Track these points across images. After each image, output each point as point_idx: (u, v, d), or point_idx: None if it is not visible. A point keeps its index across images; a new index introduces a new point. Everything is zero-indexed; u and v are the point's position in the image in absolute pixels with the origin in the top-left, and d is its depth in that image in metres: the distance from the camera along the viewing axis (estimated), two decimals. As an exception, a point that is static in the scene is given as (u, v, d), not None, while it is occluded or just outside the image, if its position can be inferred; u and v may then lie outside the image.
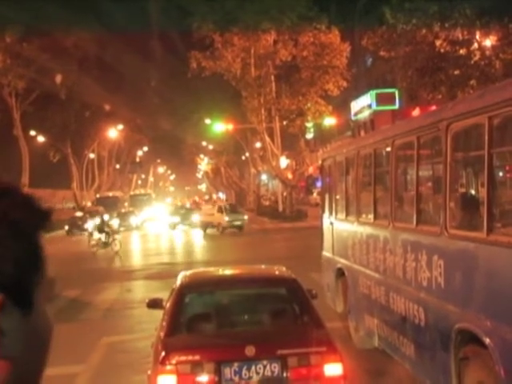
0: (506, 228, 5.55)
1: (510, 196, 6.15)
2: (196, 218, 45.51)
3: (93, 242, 28.68)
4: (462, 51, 22.09)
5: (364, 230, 9.20)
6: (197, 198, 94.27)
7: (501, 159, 6.07)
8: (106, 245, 28.80)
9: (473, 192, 6.41)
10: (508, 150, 5.82)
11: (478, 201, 5.77)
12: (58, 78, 44.44)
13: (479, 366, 5.40)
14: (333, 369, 5.78)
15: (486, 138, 5.33)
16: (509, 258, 5.00)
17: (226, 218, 39.00)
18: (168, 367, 5.64)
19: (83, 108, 50.05)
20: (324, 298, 10.99)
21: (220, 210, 39.93)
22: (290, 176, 48.14)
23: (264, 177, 69.93)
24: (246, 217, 41.04)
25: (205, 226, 40.33)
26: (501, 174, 6.18)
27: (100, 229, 29.85)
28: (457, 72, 22.38)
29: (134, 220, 48.69)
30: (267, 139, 45.22)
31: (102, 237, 29.18)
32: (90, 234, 29.80)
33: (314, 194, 48.64)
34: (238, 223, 39.31)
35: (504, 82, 6.32)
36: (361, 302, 9.25)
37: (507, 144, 5.79)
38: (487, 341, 5.16)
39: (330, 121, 44.09)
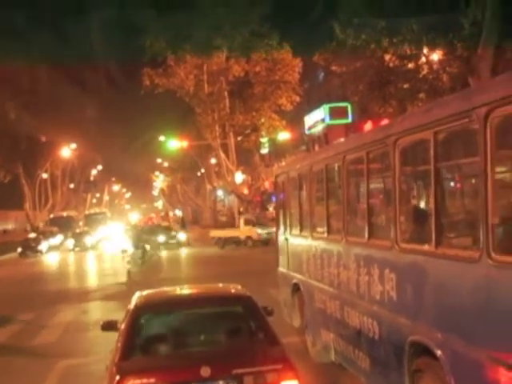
0: (454, 241, 5.66)
1: (457, 209, 6.27)
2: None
3: (127, 259, 27.32)
4: (411, 65, 22.48)
5: (318, 245, 9.27)
6: (153, 215, 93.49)
7: (447, 173, 6.20)
8: (142, 260, 27.95)
9: (421, 206, 6.52)
10: (454, 163, 5.95)
11: (427, 214, 5.87)
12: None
13: (432, 378, 5.47)
14: (289, 385, 5.78)
15: (432, 152, 5.45)
16: (456, 271, 5.10)
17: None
18: (123, 391, 5.57)
19: (33, 129, 49.27)
20: (281, 313, 11.02)
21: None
22: (245, 191, 48.23)
23: (220, 192, 69.84)
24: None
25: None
26: (448, 187, 6.30)
27: (136, 245, 29.10)
28: (406, 86, 22.76)
29: (89, 240, 48.05)
30: (222, 155, 45.24)
31: (138, 253, 28.28)
32: (125, 251, 28.47)
33: (270, 209, 48.76)
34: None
35: (447, 98, 6.47)
36: (317, 317, 9.29)
37: (453, 158, 5.92)
38: (438, 353, 5.24)
39: (284, 135, 44.34)
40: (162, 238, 42.08)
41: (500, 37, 17.97)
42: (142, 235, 36.68)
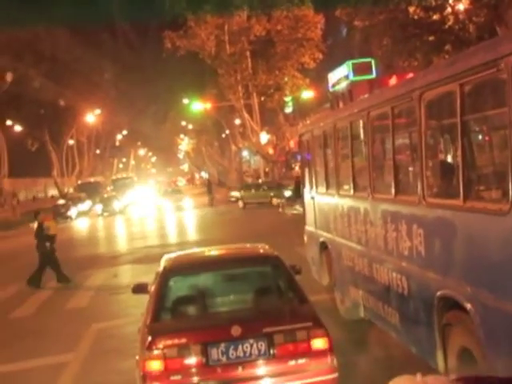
0: (482, 194, 5.59)
1: (485, 162, 6.17)
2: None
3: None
4: (436, 17, 22.00)
5: (344, 203, 9.23)
6: (178, 178, 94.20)
7: (474, 125, 6.09)
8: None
9: (448, 160, 6.43)
10: (481, 115, 5.83)
11: (454, 168, 5.79)
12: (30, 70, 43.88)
13: (462, 332, 5.47)
14: (319, 343, 5.82)
15: (459, 105, 5.34)
16: (485, 224, 5.05)
17: None
18: (155, 352, 5.66)
19: (57, 96, 49.43)
20: (309, 271, 11.06)
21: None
22: (271, 151, 48.10)
23: (245, 153, 69.78)
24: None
25: None
26: (475, 140, 6.20)
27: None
28: (431, 38, 22.31)
29: (117, 204, 48.49)
30: (246, 116, 45.05)
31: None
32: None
33: (296, 168, 48.66)
34: None
35: (473, 48, 6.32)
36: (345, 274, 9.31)
37: (480, 110, 5.80)
38: (468, 306, 5.22)
39: (307, 94, 43.92)
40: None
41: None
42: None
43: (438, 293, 5.81)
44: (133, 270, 17.89)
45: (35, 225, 16.75)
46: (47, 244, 16.09)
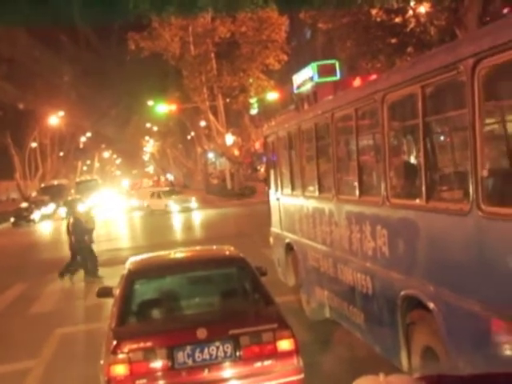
0: (444, 194, 5.67)
1: (446, 163, 6.27)
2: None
3: None
4: (398, 19, 22.26)
5: (310, 204, 9.28)
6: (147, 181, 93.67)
7: (436, 127, 6.18)
8: None
9: (411, 161, 6.52)
10: (442, 117, 5.92)
11: (417, 169, 5.86)
12: None
13: (425, 330, 5.54)
14: (285, 344, 5.83)
15: (420, 106, 5.42)
16: (447, 224, 5.12)
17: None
18: (120, 356, 5.61)
19: (19, 99, 48.70)
20: (275, 273, 11.09)
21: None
22: (236, 153, 48.10)
23: (211, 155, 69.66)
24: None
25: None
26: (437, 141, 6.28)
27: None
28: (394, 40, 22.57)
29: (81, 207, 47.87)
30: (211, 117, 45.00)
31: None
32: None
33: (262, 170, 48.77)
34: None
35: (434, 51, 6.42)
36: (311, 275, 9.36)
37: (441, 111, 5.89)
38: (431, 305, 5.29)
39: (272, 95, 44.07)
40: None
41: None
42: None
43: (402, 292, 5.87)
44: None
45: (69, 219, 16.69)
46: (86, 237, 16.23)
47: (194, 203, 40.99)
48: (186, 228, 29.47)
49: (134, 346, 5.69)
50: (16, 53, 45.40)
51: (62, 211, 47.42)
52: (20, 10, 41.46)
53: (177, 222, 34.36)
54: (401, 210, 6.00)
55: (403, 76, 5.93)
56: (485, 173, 4.59)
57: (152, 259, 7.82)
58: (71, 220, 16.63)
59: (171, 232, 28.00)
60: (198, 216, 35.98)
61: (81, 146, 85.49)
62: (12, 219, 44.57)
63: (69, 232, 16.61)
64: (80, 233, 16.19)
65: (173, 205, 40.47)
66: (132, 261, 7.41)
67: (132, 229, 33.25)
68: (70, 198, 51.69)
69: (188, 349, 5.69)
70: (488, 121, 4.81)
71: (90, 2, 42.58)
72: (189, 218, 35.22)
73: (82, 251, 16.19)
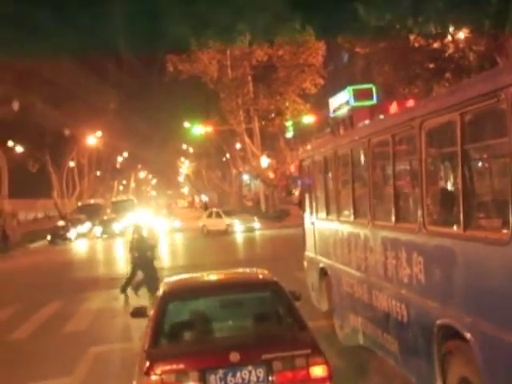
0: (482, 223, 5.60)
1: (485, 191, 6.19)
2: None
3: None
4: (436, 45, 22.21)
5: (344, 229, 9.24)
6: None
7: (475, 154, 6.12)
8: None
9: (449, 188, 6.45)
10: (481, 145, 5.86)
11: (454, 197, 5.81)
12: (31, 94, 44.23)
13: (462, 361, 5.45)
14: (318, 371, 5.79)
15: (459, 134, 5.39)
16: (485, 253, 5.05)
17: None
18: (153, 377, 5.63)
19: (59, 119, 49.64)
20: (309, 297, 11.03)
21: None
22: (271, 175, 48.19)
23: (246, 177, 69.89)
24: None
25: None
26: (475, 169, 6.22)
27: None
28: (432, 65, 22.50)
29: (116, 226, 48.46)
30: (247, 140, 45.23)
31: None
32: None
33: (296, 193, 48.75)
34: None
35: (473, 79, 6.38)
36: (344, 301, 9.29)
37: (480, 139, 5.84)
38: (468, 335, 5.21)
39: (308, 119, 44.14)
40: None
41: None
42: None
43: (438, 321, 5.79)
44: (132, 293, 17.80)
45: (133, 236, 17.16)
46: (149, 253, 16.63)
47: (257, 223, 39.62)
48: (221, 250, 29.51)
49: (167, 367, 5.70)
50: (58, 76, 46.40)
51: (98, 230, 48.01)
52: (66, 37, 42.53)
53: (211, 243, 34.43)
54: (437, 237, 5.94)
55: (442, 103, 5.91)
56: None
57: (186, 281, 7.85)
58: (135, 236, 16.98)
59: (205, 253, 28.04)
60: (233, 238, 35.98)
61: (117, 166, 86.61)
62: (49, 237, 45.17)
63: (132, 248, 17.01)
64: (143, 249, 16.59)
65: (237, 225, 39.15)
66: (166, 282, 7.46)
67: (166, 249, 33.39)
68: (105, 218, 52.36)
69: (220, 372, 5.68)
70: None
71: (133, 29, 43.43)
72: (224, 241, 35.25)
73: (144, 267, 16.44)
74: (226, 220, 39.56)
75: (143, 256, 16.52)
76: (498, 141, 5.12)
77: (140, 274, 16.65)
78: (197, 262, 22.63)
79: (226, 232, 38.19)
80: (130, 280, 16.76)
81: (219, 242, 33.68)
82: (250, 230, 38.33)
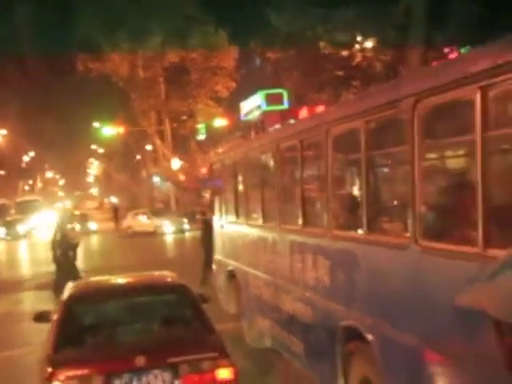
0: (385, 228, 5.79)
1: (387, 197, 6.41)
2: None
3: None
4: (345, 53, 22.78)
5: (253, 232, 9.33)
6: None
7: (378, 161, 6.32)
8: None
9: (353, 194, 6.64)
10: (384, 152, 6.07)
11: (359, 202, 5.98)
12: None
13: (363, 361, 5.62)
14: (225, 373, 5.82)
15: (363, 141, 5.56)
16: (387, 257, 5.23)
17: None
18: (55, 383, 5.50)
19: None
20: (217, 300, 11.05)
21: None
22: (182, 178, 47.95)
23: (157, 179, 69.22)
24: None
25: None
26: (379, 175, 6.43)
27: None
28: (340, 73, 23.06)
29: (21, 228, 46.88)
30: (158, 142, 44.85)
31: None
32: None
33: (206, 196, 48.70)
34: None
35: (377, 88, 6.61)
36: (252, 303, 9.37)
37: (383, 147, 6.04)
38: (369, 337, 5.38)
39: (220, 122, 44.26)
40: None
41: (429, 27, 18.36)
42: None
43: (341, 323, 5.95)
44: (36, 296, 17.30)
45: (56, 234, 16.51)
46: (70, 253, 16.26)
47: (186, 225, 38.19)
48: (128, 252, 29.09)
49: (70, 373, 5.59)
50: None
51: (1, 232, 46.26)
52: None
53: (116, 245, 33.88)
54: (343, 241, 6.10)
55: (347, 111, 6.08)
56: (423, 208, 4.72)
57: (91, 284, 7.72)
58: (58, 235, 16.46)
59: (112, 255, 27.56)
60: (141, 240, 35.53)
61: (23, 165, 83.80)
62: None
63: (54, 246, 16.49)
64: (65, 248, 16.21)
65: (167, 226, 37.72)
66: (71, 285, 7.30)
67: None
68: (9, 218, 50.52)
69: (126, 377, 5.62)
70: (427, 157, 4.96)
71: (41, 28, 42.13)
72: (131, 242, 34.77)
73: (65, 267, 16.00)
74: (155, 221, 38.47)
75: (65, 255, 16.18)
76: (399, 148, 5.32)
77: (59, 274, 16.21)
78: (117, 263, 22.12)
79: (155, 234, 37.33)
80: (58, 278, 16.24)
81: (142, 245, 33.02)
82: (181, 231, 37.64)
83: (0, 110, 52.49)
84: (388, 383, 5.13)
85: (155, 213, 41.09)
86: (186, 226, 38.18)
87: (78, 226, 37.03)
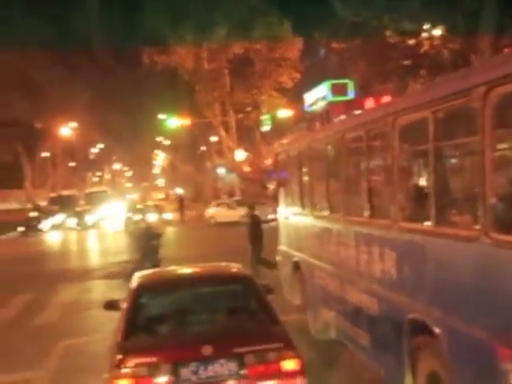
0: (453, 220, 5.67)
1: (456, 188, 6.27)
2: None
3: None
4: (412, 42, 22.38)
5: (318, 224, 9.29)
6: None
7: (447, 151, 6.19)
8: None
9: (421, 185, 6.52)
10: (453, 142, 5.93)
11: (426, 193, 5.87)
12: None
13: (431, 355, 5.52)
14: (290, 364, 5.82)
15: (431, 131, 5.44)
16: (455, 250, 5.12)
17: None
18: (124, 370, 5.62)
19: (33, 109, 49.08)
20: (282, 291, 11.08)
21: None
22: (246, 169, 48.20)
23: (221, 170, 69.78)
24: None
25: None
26: (447, 166, 6.29)
27: None
28: (407, 62, 22.69)
29: (90, 218, 48.12)
30: (222, 133, 45.19)
31: None
32: None
33: (271, 187, 48.73)
34: None
35: (447, 77, 6.45)
36: (317, 295, 9.35)
37: (452, 137, 5.91)
38: (437, 330, 5.28)
39: (284, 113, 44.21)
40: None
41: (502, 13, 17.83)
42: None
43: (408, 316, 5.86)
44: (105, 285, 17.75)
45: (138, 224, 17.15)
46: (154, 242, 16.57)
47: (272, 214, 38.82)
48: (196, 243, 29.44)
49: (139, 360, 5.70)
50: (31, 68, 45.87)
51: (71, 222, 47.60)
52: (38, 29, 42.14)
53: (187, 236, 34.32)
54: (409, 233, 6.00)
55: (414, 101, 5.97)
56: (494, 199, 4.60)
57: (159, 274, 7.86)
58: (143, 225, 16.94)
59: (180, 247, 27.95)
60: (207, 231, 35.91)
61: (92, 157, 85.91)
62: (21, 228, 44.67)
63: (138, 236, 16.98)
64: (149, 238, 16.53)
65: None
66: (139, 275, 7.44)
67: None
68: (79, 209, 51.91)
69: (193, 365, 5.69)
70: (498, 148, 4.82)
71: (109, 21, 43.18)
72: (199, 233, 35.16)
73: (147, 256, 16.36)
74: (240, 211, 37.58)
75: (149, 245, 16.43)
76: (469, 138, 5.19)
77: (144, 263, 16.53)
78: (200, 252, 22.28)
79: (239, 223, 37.46)
80: (137, 268, 16.56)
81: (225, 234, 33.06)
82: (267, 221, 37.58)
83: (71, 102, 53.92)
84: (457, 378, 5.03)
85: (240, 203, 41.38)
86: (272, 216, 38.21)
87: (154, 216, 37.70)
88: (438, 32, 21.88)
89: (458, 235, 5.07)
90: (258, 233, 16.68)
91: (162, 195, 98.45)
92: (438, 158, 5.66)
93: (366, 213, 7.16)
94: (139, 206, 35.45)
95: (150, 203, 48.77)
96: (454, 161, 6.40)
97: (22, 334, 12.06)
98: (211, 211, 41.18)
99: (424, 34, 21.93)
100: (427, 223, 5.58)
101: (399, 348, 6.07)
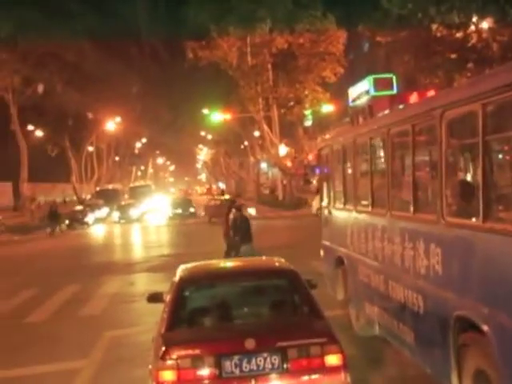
0: (502, 215, 5.54)
1: (505, 183, 6.13)
2: None
3: None
4: (459, 34, 21.99)
5: (362, 219, 9.20)
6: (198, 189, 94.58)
7: (496, 146, 6.05)
8: None
9: (469, 179, 6.40)
10: (502, 136, 5.80)
11: (474, 188, 5.75)
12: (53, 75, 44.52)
13: (478, 353, 5.42)
14: (333, 359, 5.78)
15: (480, 125, 5.33)
16: (504, 246, 5.00)
17: None
18: (168, 362, 5.66)
19: (79, 103, 49.89)
20: (325, 286, 11.02)
21: None
22: (289, 164, 48.12)
23: (263, 165, 69.83)
24: None
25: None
26: (496, 160, 6.15)
27: None
28: (454, 56, 22.30)
29: (134, 212, 48.71)
30: (265, 128, 45.17)
31: None
32: None
33: (314, 182, 48.51)
34: None
35: (496, 69, 6.30)
36: (361, 290, 9.27)
37: (501, 131, 5.77)
38: (485, 328, 5.18)
39: (327, 108, 43.99)
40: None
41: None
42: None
43: (455, 313, 5.76)
44: (148, 278, 17.94)
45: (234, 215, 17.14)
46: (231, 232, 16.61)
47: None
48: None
49: (183, 352, 5.73)
50: (80, 60, 46.62)
51: (116, 215, 48.27)
52: (89, 21, 42.84)
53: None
54: (456, 228, 5.89)
55: (462, 94, 5.85)
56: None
57: (203, 267, 7.87)
58: (237, 216, 16.56)
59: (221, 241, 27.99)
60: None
61: (136, 151, 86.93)
62: (66, 221, 45.42)
63: (230, 227, 16.68)
64: (236, 230, 16.21)
65: None
66: (183, 268, 7.48)
67: (183, 235, 33.41)
68: (123, 203, 52.59)
69: (236, 358, 5.70)
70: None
71: (155, 14, 43.59)
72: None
73: (233, 246, 16.30)
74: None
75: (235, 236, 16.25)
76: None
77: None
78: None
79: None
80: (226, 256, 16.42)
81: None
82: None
83: (119, 96, 54.61)
84: (505, 377, 4.92)
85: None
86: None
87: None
88: (486, 25, 21.45)
89: (507, 230, 4.95)
90: (248, 231, 16.20)
91: (203, 189, 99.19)
92: (487, 151, 5.54)
93: (412, 208, 7.06)
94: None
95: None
96: (504, 155, 6.25)
97: (68, 325, 12.28)
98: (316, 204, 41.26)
99: (472, 27, 21.52)
100: (475, 218, 5.47)
101: (445, 345, 5.97)
